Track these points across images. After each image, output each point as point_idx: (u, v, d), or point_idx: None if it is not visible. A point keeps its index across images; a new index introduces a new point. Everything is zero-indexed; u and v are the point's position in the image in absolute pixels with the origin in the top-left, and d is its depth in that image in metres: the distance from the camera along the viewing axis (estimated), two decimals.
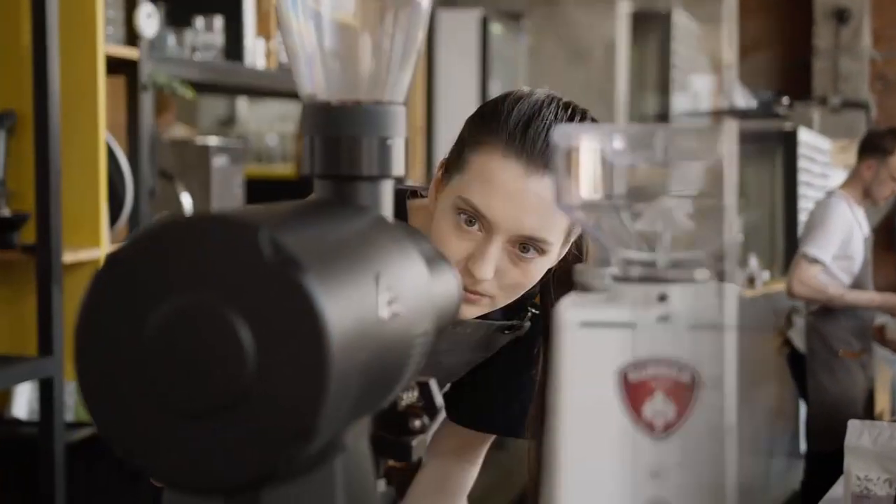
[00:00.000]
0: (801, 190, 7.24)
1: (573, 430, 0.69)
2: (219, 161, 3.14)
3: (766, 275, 6.41)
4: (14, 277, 2.54)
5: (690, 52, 8.00)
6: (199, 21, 3.11)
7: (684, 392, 0.68)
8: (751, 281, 6.10)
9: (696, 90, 5.44)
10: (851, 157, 8.79)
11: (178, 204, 2.98)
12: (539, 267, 1.28)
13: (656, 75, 7.53)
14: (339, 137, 0.80)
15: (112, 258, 0.63)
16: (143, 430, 0.62)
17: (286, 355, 0.60)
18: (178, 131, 3.95)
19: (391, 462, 0.98)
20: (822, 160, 7.72)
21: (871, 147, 4.41)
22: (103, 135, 2.55)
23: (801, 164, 7.20)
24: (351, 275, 0.65)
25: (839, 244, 4.30)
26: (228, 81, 3.23)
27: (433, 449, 1.49)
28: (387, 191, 0.82)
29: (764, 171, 7.01)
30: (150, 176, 2.84)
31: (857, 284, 4.39)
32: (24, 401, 2.86)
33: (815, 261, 4.25)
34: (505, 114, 1.26)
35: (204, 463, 0.61)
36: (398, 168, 0.82)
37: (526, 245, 1.26)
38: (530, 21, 5.94)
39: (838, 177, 8.62)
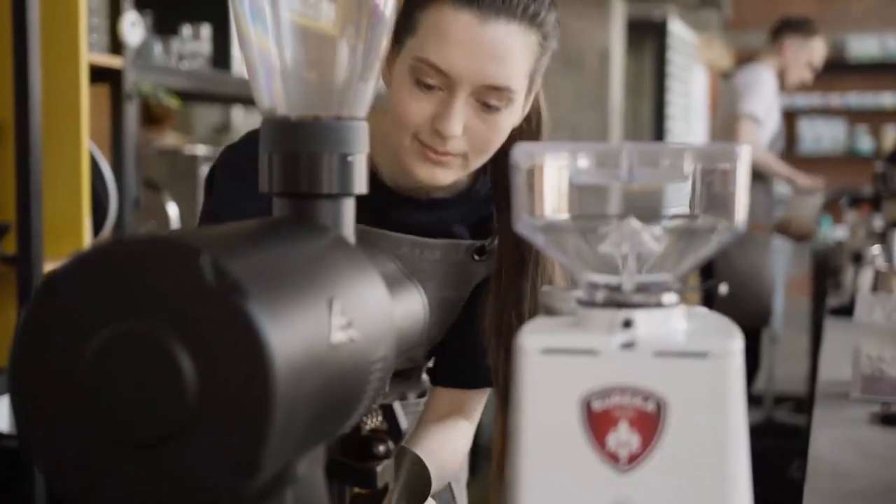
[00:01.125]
0: (668, 82, 7.36)
1: (535, 460, 0.66)
2: (206, 171, 3.11)
3: None
4: None
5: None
6: (186, 29, 3.09)
7: (650, 422, 0.65)
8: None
9: None
10: (714, 53, 8.89)
11: (164, 214, 2.96)
12: (506, 120, 1.25)
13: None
14: (298, 154, 0.78)
15: (50, 279, 0.60)
16: (79, 460, 0.59)
17: (229, 385, 0.57)
18: (170, 139, 3.92)
19: (356, 489, 0.95)
20: (688, 53, 7.87)
21: (795, 27, 4.51)
22: (86, 144, 2.52)
23: (669, 55, 7.30)
24: (301, 299, 0.63)
25: (767, 108, 4.40)
26: (215, 90, 3.20)
27: (428, 415, 1.46)
28: (348, 208, 0.79)
29: (633, 61, 7.09)
30: (135, 186, 2.81)
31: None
32: (5, 413, 2.83)
33: (756, 119, 4.34)
34: None
35: (142, 495, 0.58)
36: (360, 185, 0.79)
37: (489, 99, 1.23)
38: None
39: (700, 72, 8.76)
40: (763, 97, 4.35)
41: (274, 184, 0.78)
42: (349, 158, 0.78)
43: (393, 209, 1.37)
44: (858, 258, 3.11)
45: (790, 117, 10.50)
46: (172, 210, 2.98)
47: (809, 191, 4.63)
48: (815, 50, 4.44)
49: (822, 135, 10.49)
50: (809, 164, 10.53)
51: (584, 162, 0.68)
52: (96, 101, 2.67)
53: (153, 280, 0.58)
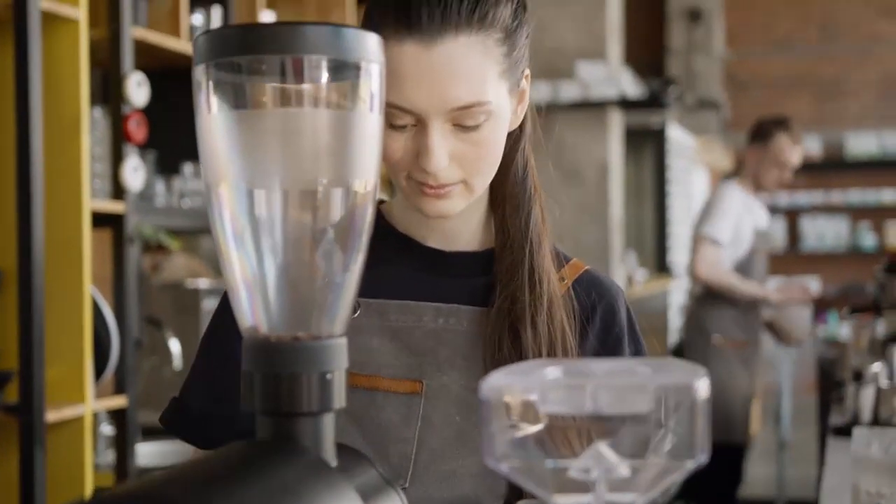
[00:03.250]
0: (668, 187, 7.45)
1: None
2: (209, 304, 3.14)
3: (643, 273, 6.46)
4: None
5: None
6: (188, 167, 3.15)
7: None
8: (630, 280, 6.11)
9: (582, 77, 5.54)
10: (712, 154, 8.98)
11: (167, 351, 2.98)
12: (493, 132, 1.18)
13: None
14: (278, 374, 0.80)
15: None
16: None
17: None
18: (179, 261, 3.95)
19: None
20: (688, 157, 7.97)
21: (755, 135, 4.58)
22: (88, 291, 2.55)
23: (669, 160, 7.39)
24: None
25: (732, 228, 4.38)
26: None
27: None
28: (328, 424, 0.81)
29: (633, 167, 7.18)
30: (137, 327, 2.83)
31: (739, 272, 4.46)
32: None
33: (715, 242, 4.34)
34: (391, 3, 1.15)
35: None
36: (339, 400, 0.82)
37: (465, 120, 1.15)
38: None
39: (701, 174, 8.87)
40: (726, 216, 4.39)
41: (256, 402, 0.81)
42: (328, 376, 0.80)
43: (425, 270, 1.29)
44: (859, 376, 3.11)
45: (792, 216, 10.62)
46: (174, 347, 3.00)
47: (794, 301, 4.64)
48: (781, 149, 4.48)
49: (824, 232, 10.56)
50: (813, 261, 10.61)
51: (552, 394, 0.70)
52: (98, 245, 2.71)
53: None
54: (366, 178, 0.83)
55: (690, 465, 0.70)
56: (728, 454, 4.41)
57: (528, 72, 1.25)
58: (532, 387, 0.71)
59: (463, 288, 1.27)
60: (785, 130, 4.50)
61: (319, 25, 0.79)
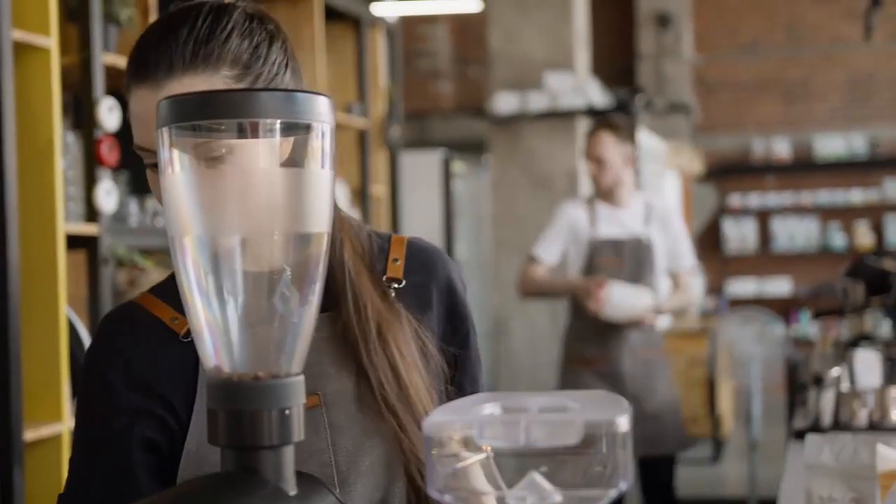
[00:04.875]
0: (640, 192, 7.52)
1: None
2: None
3: None
4: None
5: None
6: None
7: None
8: None
9: (551, 87, 5.58)
10: (683, 158, 9.08)
11: None
12: (250, 164, 1.11)
13: None
14: (241, 411, 0.86)
15: None
16: None
17: None
18: (154, 277, 3.99)
19: None
20: (659, 161, 8.06)
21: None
22: (64, 311, 2.61)
23: (640, 165, 7.48)
24: None
25: (564, 245, 4.31)
26: None
27: None
28: (287, 456, 0.88)
29: None
30: None
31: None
32: None
33: (533, 259, 4.30)
34: (134, 46, 1.24)
35: None
36: (298, 433, 0.88)
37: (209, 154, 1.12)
38: (494, 154, 6.10)
39: (672, 178, 9.00)
40: (546, 235, 4.32)
41: (220, 437, 0.87)
42: (287, 412, 0.87)
43: None
44: (819, 381, 3.19)
45: (763, 217, 10.75)
46: None
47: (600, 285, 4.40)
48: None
49: (795, 233, 10.68)
50: (784, 262, 10.74)
51: (489, 430, 0.77)
52: (73, 267, 2.76)
53: None
54: (319, 226, 0.90)
55: (613, 493, 0.77)
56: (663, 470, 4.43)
57: None
58: (471, 423, 0.78)
59: None
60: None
61: (272, 91, 0.86)
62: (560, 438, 0.77)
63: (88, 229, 2.76)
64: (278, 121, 0.86)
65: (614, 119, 4.43)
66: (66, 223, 2.66)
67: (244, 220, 0.88)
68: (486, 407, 0.81)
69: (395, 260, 1.35)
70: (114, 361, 1.29)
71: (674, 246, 4.38)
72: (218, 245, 0.88)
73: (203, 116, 0.86)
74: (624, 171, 4.28)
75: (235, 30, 1.22)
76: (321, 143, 0.88)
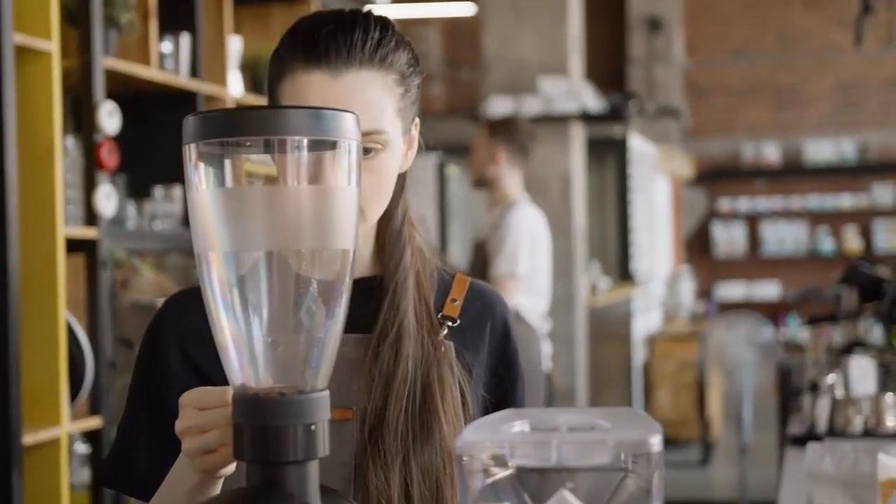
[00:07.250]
0: (630, 196, 7.58)
1: None
2: None
3: (606, 281, 6.52)
4: None
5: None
6: (159, 191, 3.20)
7: None
8: (593, 289, 6.15)
9: (545, 92, 5.59)
10: (673, 162, 9.10)
11: None
12: (387, 163, 1.25)
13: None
14: (266, 427, 0.87)
15: None
16: None
17: None
18: (147, 277, 3.98)
19: None
20: (649, 165, 8.11)
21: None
22: (63, 315, 2.60)
23: (630, 170, 7.53)
24: None
25: (528, 254, 4.00)
26: (188, 248, 3.30)
27: None
28: (312, 471, 0.88)
29: (596, 177, 7.30)
30: (110, 348, 2.88)
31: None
32: None
33: (504, 277, 3.92)
34: (299, 31, 1.26)
35: None
36: (323, 448, 0.89)
37: (363, 144, 1.17)
38: None
39: (662, 182, 9.03)
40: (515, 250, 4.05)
41: (245, 452, 0.88)
42: (312, 427, 0.88)
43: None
44: (815, 387, 3.20)
45: (752, 221, 10.77)
46: None
47: None
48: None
49: (784, 237, 10.70)
50: (773, 266, 10.75)
51: (520, 449, 0.77)
52: (72, 270, 2.76)
53: None
54: (344, 242, 0.90)
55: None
56: None
57: (418, 121, 1.33)
58: (502, 442, 0.78)
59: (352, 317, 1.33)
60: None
61: (299, 109, 0.86)
62: (591, 458, 0.77)
63: (88, 233, 2.75)
64: (305, 138, 0.86)
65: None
66: (66, 227, 2.66)
67: (269, 235, 0.89)
68: (516, 424, 0.81)
69: (454, 300, 1.35)
70: (171, 339, 1.29)
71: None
72: (242, 260, 0.89)
73: (231, 133, 0.86)
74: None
75: (401, 42, 1.27)
76: (348, 159, 0.89)
